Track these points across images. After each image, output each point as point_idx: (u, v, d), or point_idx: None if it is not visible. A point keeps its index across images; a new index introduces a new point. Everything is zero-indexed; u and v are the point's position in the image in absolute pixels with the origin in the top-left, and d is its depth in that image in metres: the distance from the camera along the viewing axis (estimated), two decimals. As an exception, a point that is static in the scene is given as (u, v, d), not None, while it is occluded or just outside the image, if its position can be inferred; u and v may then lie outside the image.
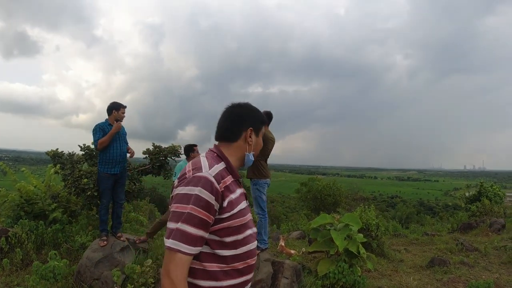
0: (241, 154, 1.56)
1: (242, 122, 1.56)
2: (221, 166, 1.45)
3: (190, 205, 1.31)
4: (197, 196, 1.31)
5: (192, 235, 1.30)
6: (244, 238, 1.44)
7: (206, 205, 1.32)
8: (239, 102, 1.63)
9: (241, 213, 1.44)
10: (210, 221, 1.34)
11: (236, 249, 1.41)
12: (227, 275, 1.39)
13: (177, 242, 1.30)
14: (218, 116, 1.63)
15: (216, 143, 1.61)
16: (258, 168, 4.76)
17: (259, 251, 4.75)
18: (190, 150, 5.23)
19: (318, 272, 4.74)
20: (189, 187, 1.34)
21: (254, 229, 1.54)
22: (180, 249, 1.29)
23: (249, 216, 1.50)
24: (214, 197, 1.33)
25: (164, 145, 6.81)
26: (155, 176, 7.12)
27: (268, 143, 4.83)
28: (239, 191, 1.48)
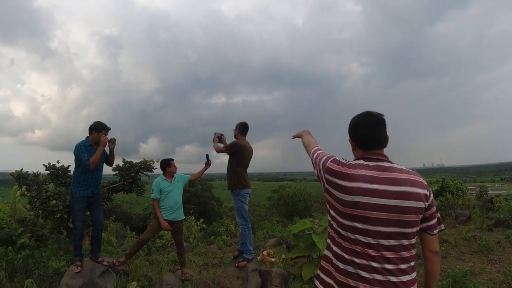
0: None
1: (386, 130, 1.88)
2: None
3: None
4: None
5: None
6: None
7: None
8: (377, 112, 1.89)
9: None
10: None
11: None
12: None
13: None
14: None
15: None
16: (239, 178, 4.75)
17: (246, 261, 4.70)
18: (167, 165, 5.10)
19: (303, 276, 4.77)
20: None
21: None
22: None
23: None
24: None
25: (127, 159, 6.62)
26: (127, 193, 6.92)
27: (246, 153, 4.84)
28: None
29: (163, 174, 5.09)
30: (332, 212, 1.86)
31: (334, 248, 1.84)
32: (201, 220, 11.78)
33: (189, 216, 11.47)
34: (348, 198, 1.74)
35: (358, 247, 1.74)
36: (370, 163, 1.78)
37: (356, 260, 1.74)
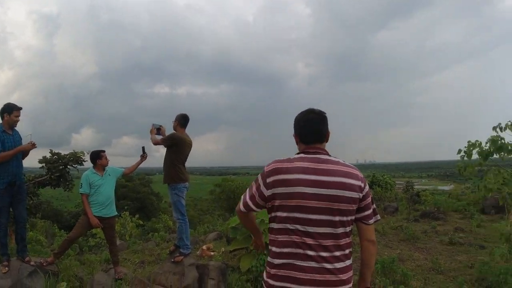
0: None
1: (327, 126, 2.01)
2: None
3: None
4: None
5: None
6: None
7: None
8: (319, 109, 2.04)
9: None
10: None
11: None
12: None
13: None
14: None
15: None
16: (177, 172, 4.60)
17: (182, 256, 4.59)
18: (97, 157, 4.76)
19: (241, 268, 4.78)
20: None
21: None
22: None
23: None
24: None
25: (57, 151, 6.16)
26: (54, 188, 6.44)
27: (185, 146, 4.70)
28: None
29: (93, 167, 4.76)
30: (273, 214, 1.92)
31: (273, 248, 1.91)
32: (137, 216, 11.32)
33: (124, 212, 11.00)
34: (289, 190, 1.84)
35: (296, 237, 1.83)
36: (308, 156, 1.91)
37: (293, 250, 1.83)
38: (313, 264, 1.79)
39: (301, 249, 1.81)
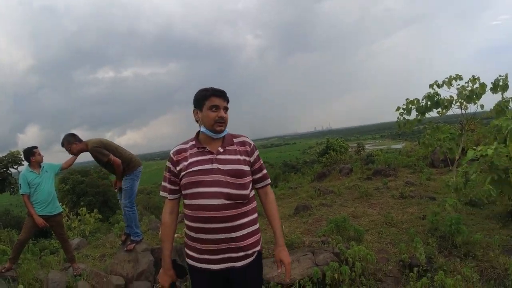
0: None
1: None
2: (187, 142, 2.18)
3: None
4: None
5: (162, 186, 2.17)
6: (193, 193, 2.01)
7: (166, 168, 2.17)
8: None
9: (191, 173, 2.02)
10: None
11: (188, 200, 2.05)
12: (187, 217, 2.07)
13: None
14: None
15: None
16: (128, 163, 4.49)
17: (134, 243, 4.56)
18: (30, 154, 4.54)
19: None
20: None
21: (212, 189, 1.96)
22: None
23: (203, 177, 2.00)
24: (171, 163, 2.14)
25: (2, 154, 5.83)
26: (0, 193, 6.10)
27: (109, 144, 4.53)
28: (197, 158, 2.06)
29: (29, 165, 4.56)
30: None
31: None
32: (95, 210, 11.00)
33: (81, 208, 10.66)
34: None
35: None
36: None
37: None
38: None
39: None
